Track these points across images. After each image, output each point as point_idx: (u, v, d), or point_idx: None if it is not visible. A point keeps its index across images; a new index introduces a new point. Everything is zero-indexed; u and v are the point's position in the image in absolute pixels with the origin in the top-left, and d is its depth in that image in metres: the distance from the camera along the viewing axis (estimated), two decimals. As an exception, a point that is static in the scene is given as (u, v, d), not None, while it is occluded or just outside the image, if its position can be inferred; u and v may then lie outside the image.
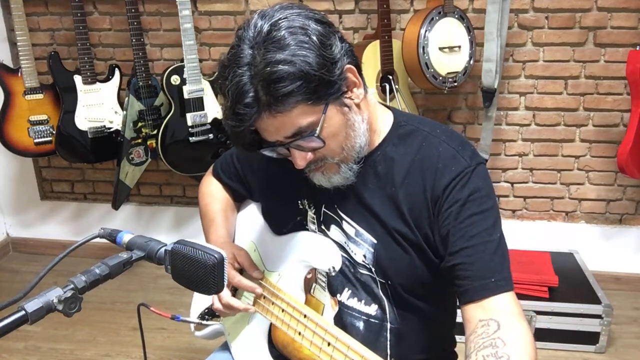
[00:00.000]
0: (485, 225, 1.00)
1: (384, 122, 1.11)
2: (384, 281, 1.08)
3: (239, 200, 1.37)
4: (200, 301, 1.35)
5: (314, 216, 1.14)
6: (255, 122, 0.94)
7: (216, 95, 2.46)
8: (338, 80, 0.95)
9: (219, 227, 1.29)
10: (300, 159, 0.99)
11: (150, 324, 2.41)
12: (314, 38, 0.92)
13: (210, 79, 2.45)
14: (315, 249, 1.12)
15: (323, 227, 1.13)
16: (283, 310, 1.07)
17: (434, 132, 1.08)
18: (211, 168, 1.40)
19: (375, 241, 1.08)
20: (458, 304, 1.03)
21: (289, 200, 1.17)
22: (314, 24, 0.93)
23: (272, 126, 0.94)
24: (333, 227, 1.12)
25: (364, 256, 1.09)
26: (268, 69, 0.89)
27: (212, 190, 1.37)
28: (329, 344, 0.94)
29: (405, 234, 1.05)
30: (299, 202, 1.16)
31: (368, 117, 1.05)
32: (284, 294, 1.09)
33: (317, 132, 0.96)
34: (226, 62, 0.94)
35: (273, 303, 1.10)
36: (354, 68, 1.00)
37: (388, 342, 1.10)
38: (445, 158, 1.03)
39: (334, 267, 1.08)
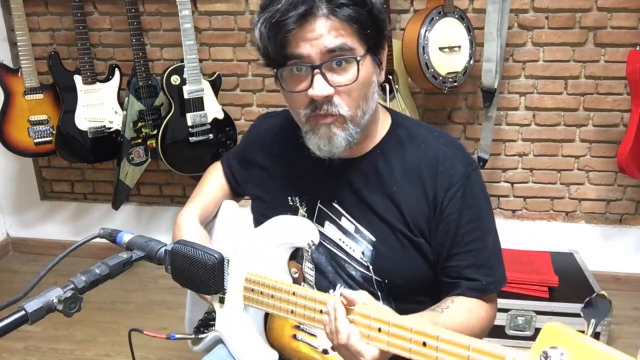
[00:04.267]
0: (480, 232, 1.06)
1: (384, 120, 1.12)
2: (380, 279, 1.09)
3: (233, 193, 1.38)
4: (192, 315, 1.36)
5: (305, 214, 1.15)
6: (303, 20, 0.91)
7: (216, 95, 2.46)
8: (382, 36, 0.99)
9: (195, 208, 1.28)
10: (321, 88, 0.95)
11: (151, 324, 2.41)
12: None
13: (210, 79, 2.45)
14: (290, 229, 1.12)
15: (315, 223, 1.13)
16: (272, 296, 1.07)
17: (432, 135, 1.10)
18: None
19: (374, 239, 1.08)
20: (442, 294, 1.10)
21: (279, 196, 1.17)
22: None
23: (318, 30, 0.92)
24: (327, 224, 1.13)
25: (362, 253, 1.09)
26: None
27: (213, 172, 1.39)
28: (321, 312, 0.95)
29: (404, 232, 1.06)
30: (289, 198, 1.16)
31: (375, 105, 1.06)
32: (270, 280, 1.09)
33: (361, 58, 0.96)
34: None
35: (262, 293, 1.10)
36: None
37: None
38: (446, 162, 1.05)
39: (312, 241, 1.08)
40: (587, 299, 0.66)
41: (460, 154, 1.07)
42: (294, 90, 0.98)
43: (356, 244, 1.10)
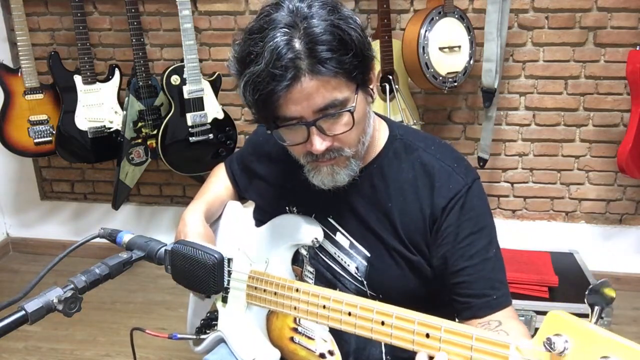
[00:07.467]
0: (483, 243, 1.03)
1: (381, 132, 1.10)
2: (374, 294, 1.08)
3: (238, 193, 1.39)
4: (195, 315, 1.36)
5: None
6: (290, 87, 0.87)
7: (216, 95, 2.46)
8: (370, 65, 0.95)
9: (201, 205, 1.27)
10: (319, 143, 0.93)
11: (151, 324, 2.41)
12: (356, 18, 0.92)
13: (210, 78, 2.45)
14: (294, 227, 1.13)
15: None
16: (276, 294, 1.07)
17: (429, 148, 1.08)
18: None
19: (368, 254, 1.08)
20: (457, 317, 1.05)
21: (277, 204, 1.18)
22: (346, 10, 0.93)
23: (307, 90, 0.88)
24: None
25: (357, 268, 1.09)
26: (314, 29, 0.87)
27: (219, 173, 1.39)
28: (324, 307, 0.95)
29: (399, 249, 1.05)
30: (287, 208, 1.17)
31: (372, 126, 1.04)
32: (273, 277, 1.10)
33: (353, 108, 0.92)
34: (264, 24, 0.89)
35: (265, 290, 1.10)
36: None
37: (382, 343, 1.10)
38: (442, 177, 1.04)
39: (316, 239, 1.09)
40: (591, 286, 0.66)
41: (458, 167, 1.05)
42: (292, 143, 0.98)
43: (350, 259, 1.10)
